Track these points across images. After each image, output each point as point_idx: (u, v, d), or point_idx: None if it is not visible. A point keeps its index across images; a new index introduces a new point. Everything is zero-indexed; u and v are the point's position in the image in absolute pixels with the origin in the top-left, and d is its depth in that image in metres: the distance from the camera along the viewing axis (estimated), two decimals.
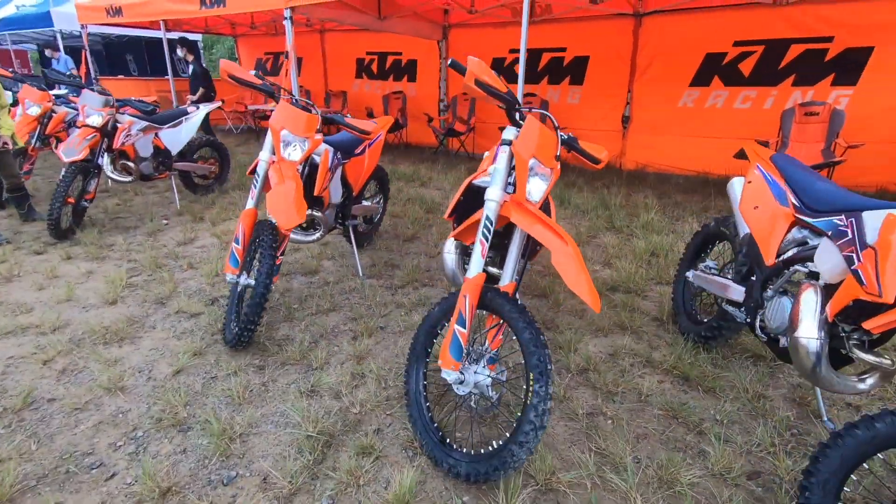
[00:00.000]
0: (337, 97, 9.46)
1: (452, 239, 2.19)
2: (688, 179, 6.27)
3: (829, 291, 1.70)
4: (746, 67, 5.85)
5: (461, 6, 7.03)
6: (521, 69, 4.78)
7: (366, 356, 2.58)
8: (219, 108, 5.79)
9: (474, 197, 2.13)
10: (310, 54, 9.99)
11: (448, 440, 1.92)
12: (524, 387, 1.69)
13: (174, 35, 8.32)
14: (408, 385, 2.10)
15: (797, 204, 1.99)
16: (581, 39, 6.85)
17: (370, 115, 8.25)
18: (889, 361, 1.63)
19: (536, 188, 1.85)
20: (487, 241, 1.81)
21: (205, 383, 2.37)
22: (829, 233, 1.76)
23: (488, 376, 1.82)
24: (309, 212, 3.04)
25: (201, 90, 7.29)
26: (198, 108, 5.27)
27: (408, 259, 3.86)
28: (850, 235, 1.64)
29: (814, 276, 1.82)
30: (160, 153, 5.01)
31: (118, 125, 4.53)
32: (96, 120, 4.33)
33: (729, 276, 2.40)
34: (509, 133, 1.87)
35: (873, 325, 1.46)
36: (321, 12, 6.01)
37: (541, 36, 7.16)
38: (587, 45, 6.83)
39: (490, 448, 1.76)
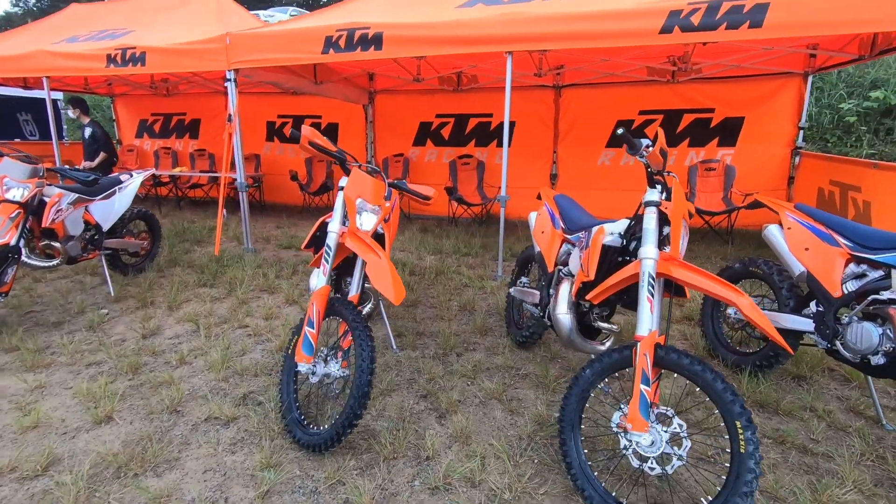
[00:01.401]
0: (249, 161, 8.87)
1: (570, 299, 2.43)
2: None
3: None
4: (651, 132, 6.92)
5: (387, 74, 7.26)
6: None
7: (468, 434, 2.39)
8: (153, 175, 5.07)
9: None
10: (213, 116, 9.32)
11: None
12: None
13: (57, 94, 7.16)
14: (568, 458, 1.99)
15: (849, 243, 2.41)
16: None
17: (294, 178, 7.86)
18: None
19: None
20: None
21: (312, 503, 1.97)
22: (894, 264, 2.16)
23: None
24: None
25: (102, 155, 6.31)
26: (131, 175, 4.56)
27: (428, 324, 3.70)
28: None
29: (891, 302, 2.21)
30: (89, 229, 4.19)
31: (45, 199, 3.72)
32: (19, 194, 3.51)
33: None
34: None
35: None
36: (263, 75, 5.74)
37: (468, 103, 7.67)
38: (513, 112, 7.45)
39: None
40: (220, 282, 4.63)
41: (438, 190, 7.44)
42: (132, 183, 4.52)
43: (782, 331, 2.68)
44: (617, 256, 2.27)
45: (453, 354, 3.24)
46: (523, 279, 3.41)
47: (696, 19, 3.63)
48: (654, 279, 1.91)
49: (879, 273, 2.28)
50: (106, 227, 4.30)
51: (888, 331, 2.17)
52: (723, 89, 6.42)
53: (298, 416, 2.38)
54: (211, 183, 9.09)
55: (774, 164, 6.37)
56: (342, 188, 2.52)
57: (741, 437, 1.70)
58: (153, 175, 8.69)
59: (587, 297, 2.19)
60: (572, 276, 2.53)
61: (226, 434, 2.40)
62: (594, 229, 2.39)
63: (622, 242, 2.25)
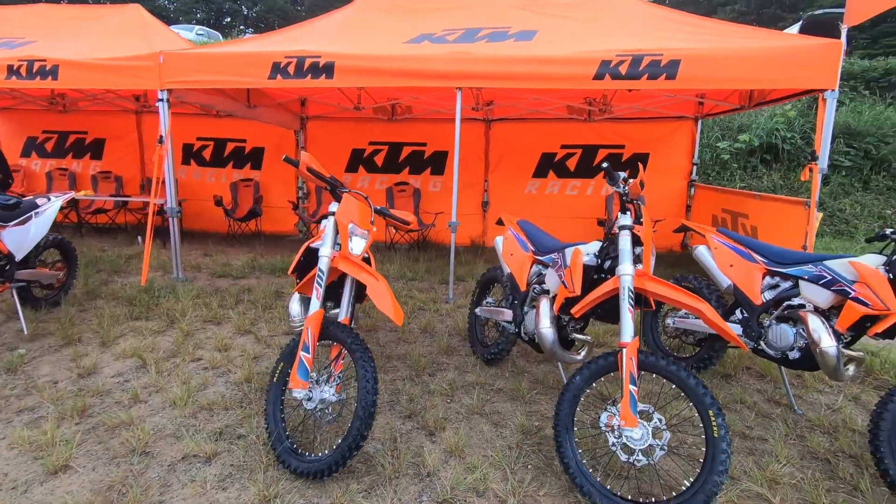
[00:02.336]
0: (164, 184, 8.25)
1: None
2: None
3: (826, 315, 2.57)
4: (572, 164, 7.61)
5: (322, 101, 7.28)
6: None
7: (462, 448, 2.49)
8: (74, 198, 4.62)
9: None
10: (120, 136, 8.58)
11: (630, 497, 2.08)
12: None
13: None
14: (565, 458, 2.18)
15: (764, 260, 2.92)
16: (440, 137, 7.80)
17: (218, 204, 7.47)
18: (862, 353, 2.55)
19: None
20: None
21: None
22: (806, 277, 2.67)
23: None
24: None
25: None
26: (49, 199, 4.13)
27: (392, 348, 3.75)
28: (829, 277, 2.55)
29: (800, 307, 2.70)
30: (0, 259, 3.71)
31: None
32: None
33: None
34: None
35: (881, 327, 2.32)
36: (196, 97, 5.50)
37: (402, 132, 7.88)
38: (445, 142, 7.81)
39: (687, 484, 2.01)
40: (155, 314, 4.28)
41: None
42: (50, 207, 4.09)
43: (713, 335, 3.15)
44: (593, 274, 2.54)
45: (426, 375, 3.33)
46: (488, 299, 3.61)
47: (623, 69, 4.19)
48: (632, 293, 2.20)
49: (789, 283, 2.78)
50: (19, 256, 3.83)
51: (800, 330, 2.65)
52: (631, 128, 7.28)
53: (291, 444, 2.33)
54: (118, 208, 8.32)
55: (675, 194, 7.31)
56: (333, 213, 2.56)
57: (714, 423, 2.00)
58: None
59: (572, 311, 2.44)
60: (548, 293, 2.78)
61: (210, 471, 2.27)
62: (569, 251, 2.66)
63: (597, 261, 2.54)
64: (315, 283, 2.43)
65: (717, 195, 6.52)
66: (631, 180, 2.29)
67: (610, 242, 2.48)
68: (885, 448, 2.20)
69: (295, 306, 2.81)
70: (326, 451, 2.24)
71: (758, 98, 5.43)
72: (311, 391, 2.29)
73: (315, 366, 2.34)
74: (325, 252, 2.47)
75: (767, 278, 2.90)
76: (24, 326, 3.79)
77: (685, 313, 3.44)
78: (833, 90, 3.95)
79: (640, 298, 2.34)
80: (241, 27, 40.20)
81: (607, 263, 2.48)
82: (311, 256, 2.70)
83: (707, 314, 2.12)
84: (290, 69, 4.71)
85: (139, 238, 7.17)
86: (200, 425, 2.63)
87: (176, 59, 4.90)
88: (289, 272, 2.79)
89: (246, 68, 4.81)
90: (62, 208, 4.33)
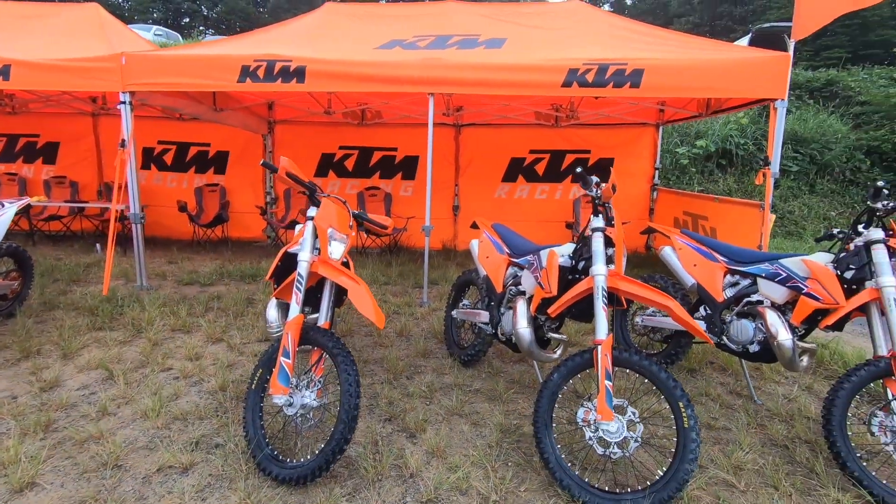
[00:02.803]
0: (124, 190, 7.95)
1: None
2: None
3: (782, 309, 2.74)
4: (540, 169, 7.78)
5: (291, 105, 7.20)
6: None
7: (443, 449, 2.52)
8: (28, 205, 4.41)
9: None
10: (75, 140, 8.21)
11: (607, 488, 2.16)
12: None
13: None
14: (545, 454, 2.25)
15: (725, 259, 3.08)
16: (410, 141, 7.83)
17: (182, 210, 7.25)
18: (814, 345, 2.73)
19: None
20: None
21: None
22: (763, 275, 2.84)
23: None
24: None
25: None
26: (3, 206, 3.94)
27: (369, 352, 3.75)
28: (784, 274, 2.73)
29: (759, 302, 2.87)
30: None
31: None
32: None
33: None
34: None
35: (831, 320, 2.50)
36: (160, 99, 5.35)
37: (372, 137, 7.87)
38: (417, 147, 7.85)
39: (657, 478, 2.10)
40: (119, 324, 4.14)
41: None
42: (4, 214, 3.90)
43: (679, 332, 3.30)
44: (567, 275, 2.63)
45: (404, 378, 3.35)
46: (464, 302, 3.66)
47: (590, 77, 4.34)
48: (606, 292, 2.29)
49: (748, 281, 2.95)
50: None
51: (759, 324, 2.81)
52: (596, 134, 7.51)
53: (272, 451, 2.31)
54: (73, 215, 7.97)
55: (639, 197, 7.57)
56: (311, 217, 2.56)
57: (684, 414, 2.11)
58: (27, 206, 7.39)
59: (548, 311, 2.51)
60: (524, 294, 2.85)
61: (187, 482, 2.22)
62: (544, 253, 2.74)
63: (572, 263, 2.62)
64: (294, 288, 2.42)
65: (678, 198, 6.80)
66: (603, 184, 2.39)
67: (583, 244, 2.57)
68: (837, 433, 2.37)
69: (272, 312, 2.79)
70: (309, 457, 2.23)
71: (714, 106, 5.72)
72: (291, 397, 2.29)
73: (294, 371, 2.33)
74: (305, 256, 2.46)
75: (728, 276, 3.06)
76: None
77: (653, 311, 3.58)
78: (783, 100, 4.21)
79: (612, 297, 2.44)
80: (201, 28, 39.19)
81: (581, 264, 2.58)
82: (289, 261, 2.69)
83: (676, 311, 2.23)
84: (260, 73, 4.65)
85: (97, 246, 6.90)
86: (174, 436, 2.57)
87: (139, 60, 4.76)
88: (266, 277, 2.76)
89: (213, 71, 4.72)
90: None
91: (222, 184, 8.08)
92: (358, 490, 2.20)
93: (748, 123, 11.09)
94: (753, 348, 2.84)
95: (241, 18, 43.74)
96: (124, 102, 4.86)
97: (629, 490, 2.13)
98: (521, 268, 2.98)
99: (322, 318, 2.52)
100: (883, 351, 2.44)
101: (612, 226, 2.47)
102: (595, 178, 2.41)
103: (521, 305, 2.72)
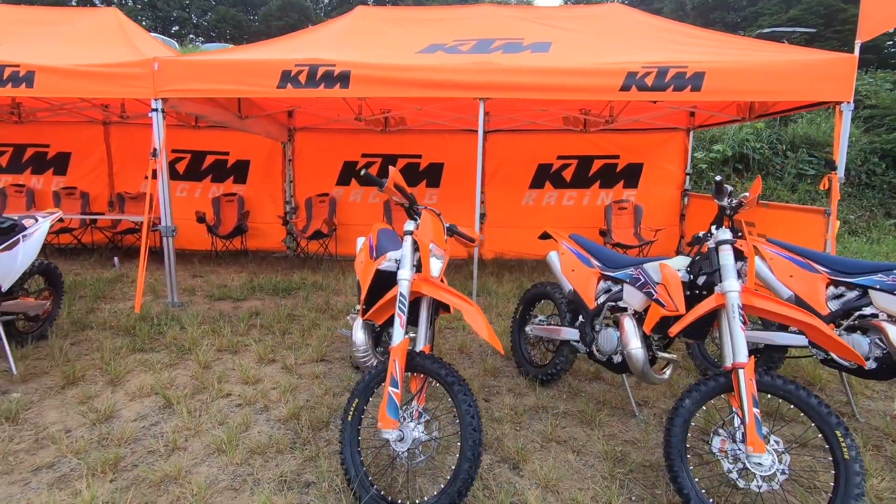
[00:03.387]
0: (138, 200, 7.69)
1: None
2: (538, 262, 7.52)
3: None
4: (568, 175, 7.63)
5: (313, 112, 6.99)
6: None
7: (555, 482, 2.31)
8: (60, 220, 4.16)
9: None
10: (86, 149, 7.93)
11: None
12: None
13: None
14: (685, 489, 2.05)
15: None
16: (435, 148, 7.66)
17: (201, 220, 6.99)
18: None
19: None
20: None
21: None
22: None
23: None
24: None
25: None
26: (37, 220, 3.68)
27: None
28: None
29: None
30: None
31: None
32: None
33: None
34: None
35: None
36: (190, 106, 5.12)
37: (396, 144, 7.68)
38: (442, 154, 7.68)
39: None
40: (160, 344, 3.89)
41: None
42: (38, 229, 3.65)
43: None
44: (685, 291, 2.45)
45: (481, 400, 3.14)
46: (539, 317, 3.47)
47: (649, 81, 4.20)
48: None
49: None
50: (6, 286, 3.38)
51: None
52: (625, 139, 7.38)
53: (378, 491, 2.09)
54: (83, 227, 7.67)
55: (669, 203, 7.45)
56: (410, 232, 2.36)
57: (843, 444, 1.92)
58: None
59: (669, 330, 2.33)
60: (625, 311, 2.66)
61: None
62: (651, 267, 2.56)
63: (689, 277, 2.45)
64: (397, 310, 2.21)
65: (716, 204, 6.66)
66: (743, 195, 2.21)
67: (703, 258, 2.39)
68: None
69: (360, 335, 2.58)
70: (426, 498, 2.02)
71: (759, 110, 5.60)
72: (401, 430, 2.07)
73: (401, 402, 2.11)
74: (406, 275, 2.26)
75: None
76: (12, 366, 3.32)
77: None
78: (849, 102, 4.10)
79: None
80: (191, 36, 38.77)
81: (701, 279, 2.40)
82: (380, 280, 2.49)
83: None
84: (302, 78, 4.45)
85: (116, 260, 6.61)
86: (258, 473, 2.34)
87: (172, 66, 4.54)
88: (361, 303, 2.53)
89: (252, 77, 4.51)
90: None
91: (241, 193, 7.82)
92: None
93: (763, 128, 11.07)
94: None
95: (231, 26, 43.44)
96: (156, 110, 4.63)
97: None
98: (617, 282, 2.79)
99: (421, 342, 2.31)
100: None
101: (741, 237, 2.29)
102: (730, 188, 2.23)
103: (629, 323, 2.53)
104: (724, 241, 2.26)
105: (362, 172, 2.28)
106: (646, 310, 2.58)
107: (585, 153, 7.54)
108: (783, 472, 1.98)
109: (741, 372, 2.03)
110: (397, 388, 2.09)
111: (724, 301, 2.17)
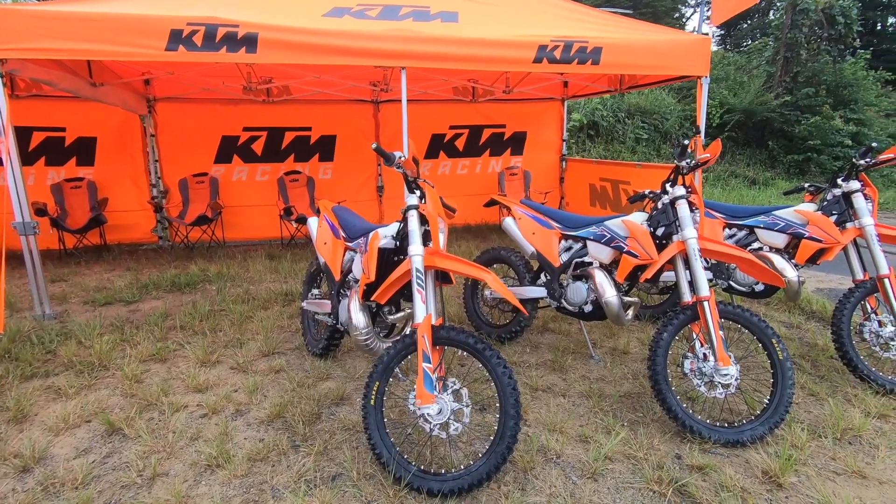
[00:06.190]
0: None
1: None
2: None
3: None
4: (460, 144, 7.86)
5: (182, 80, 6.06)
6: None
7: (560, 424, 2.55)
8: None
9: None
10: None
11: (727, 424, 2.44)
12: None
13: None
14: (674, 410, 2.44)
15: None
16: (324, 119, 7.24)
17: (42, 213, 5.68)
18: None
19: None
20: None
21: None
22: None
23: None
24: None
25: None
26: None
27: None
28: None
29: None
30: None
31: None
32: None
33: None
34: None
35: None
36: (35, 71, 4.09)
37: (282, 116, 7.07)
38: (333, 125, 7.30)
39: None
40: (56, 366, 3.21)
41: (274, 212, 6.70)
42: None
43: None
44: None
45: (457, 367, 3.24)
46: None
47: (557, 54, 4.53)
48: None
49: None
50: None
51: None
52: (510, 108, 7.83)
53: (420, 469, 2.10)
54: None
55: (551, 168, 8.18)
56: (416, 206, 2.30)
57: (777, 348, 2.46)
58: None
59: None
60: (590, 265, 2.97)
61: None
62: (614, 224, 2.88)
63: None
64: (415, 286, 2.18)
65: (591, 167, 7.52)
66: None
67: (660, 212, 2.75)
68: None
69: (360, 317, 2.47)
70: (471, 462, 2.09)
71: (629, 82, 6.40)
72: (438, 403, 2.09)
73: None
74: (419, 250, 2.22)
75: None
76: None
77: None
78: (706, 76, 4.94)
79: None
80: None
81: (660, 231, 2.76)
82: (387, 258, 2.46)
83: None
84: (197, 39, 3.86)
85: None
86: (274, 479, 2.15)
87: (16, 18, 3.57)
88: (372, 278, 2.40)
89: (130, 36, 3.77)
90: None
91: (90, 178, 6.53)
92: (521, 483, 2.14)
93: (609, 97, 12.63)
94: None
95: None
96: None
97: (745, 421, 2.44)
98: (578, 240, 3.08)
99: (435, 315, 2.31)
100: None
101: (692, 193, 2.69)
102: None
103: (601, 275, 2.83)
104: (681, 197, 2.64)
105: (374, 146, 2.14)
106: (612, 262, 2.92)
107: (475, 123, 7.83)
108: (736, 380, 2.48)
109: (706, 304, 2.46)
110: (430, 363, 2.09)
111: (685, 247, 2.57)
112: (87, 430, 2.53)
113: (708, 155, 2.67)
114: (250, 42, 3.94)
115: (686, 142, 2.67)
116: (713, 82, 14.43)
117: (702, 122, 5.00)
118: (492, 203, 3.69)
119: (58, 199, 6.31)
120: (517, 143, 8.08)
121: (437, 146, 7.81)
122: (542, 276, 3.29)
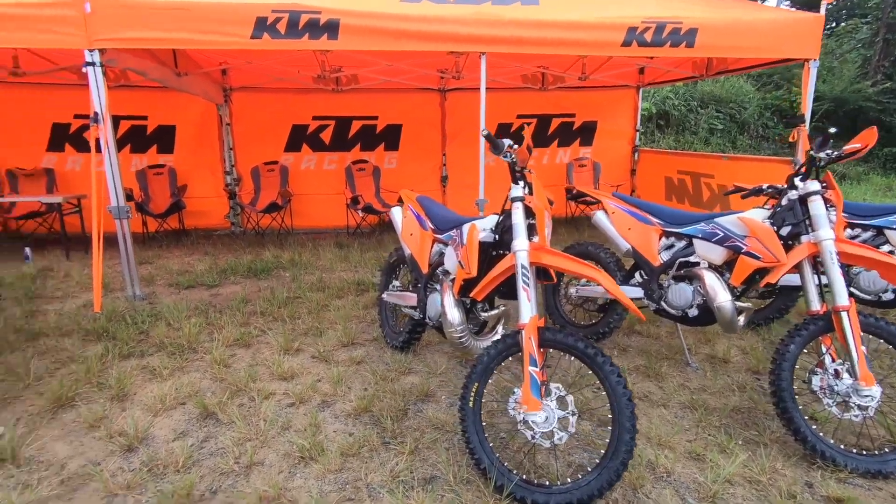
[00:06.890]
0: (36, 178, 6.39)
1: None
2: None
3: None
4: (531, 132, 7.63)
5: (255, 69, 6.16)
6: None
7: (666, 439, 2.36)
8: None
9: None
10: None
11: (864, 451, 2.16)
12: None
13: None
14: (802, 431, 2.18)
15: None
16: (391, 108, 7.20)
17: (129, 198, 5.97)
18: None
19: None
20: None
21: None
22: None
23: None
24: None
25: None
26: None
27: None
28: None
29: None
30: None
31: None
32: None
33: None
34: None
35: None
36: (130, 61, 4.25)
37: (349, 104, 7.10)
38: (399, 114, 7.25)
39: None
40: (149, 346, 3.32)
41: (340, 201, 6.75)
42: None
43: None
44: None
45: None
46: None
47: (648, 36, 4.22)
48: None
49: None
50: None
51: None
52: (580, 97, 7.50)
53: (521, 478, 1.97)
54: None
55: (621, 159, 7.79)
56: (521, 198, 2.16)
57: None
58: None
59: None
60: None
61: None
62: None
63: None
64: (520, 283, 2.04)
65: (667, 158, 7.10)
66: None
67: (785, 209, 2.47)
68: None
69: (455, 314, 2.37)
70: (580, 476, 1.94)
71: (717, 67, 5.94)
72: (544, 409, 1.95)
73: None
74: (524, 245, 2.08)
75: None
76: None
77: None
78: (816, 60, 4.47)
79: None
80: None
81: (785, 230, 2.47)
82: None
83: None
84: (281, 26, 3.86)
85: (27, 251, 5.47)
86: (366, 478, 2.09)
87: (111, 7, 3.69)
88: (473, 273, 2.28)
89: (217, 24, 3.83)
90: None
91: (170, 165, 6.81)
92: (631, 501, 1.97)
93: (681, 85, 11.90)
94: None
95: None
96: (92, 63, 3.77)
97: (887, 450, 2.15)
98: (681, 237, 2.83)
99: (538, 316, 2.15)
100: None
101: (827, 188, 2.39)
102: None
103: (712, 277, 2.57)
104: (815, 192, 2.35)
105: (484, 133, 2.02)
106: (724, 263, 2.66)
107: (544, 112, 7.56)
108: (878, 402, 2.18)
109: (844, 314, 2.17)
110: (537, 366, 1.96)
111: (819, 249, 2.28)
112: (182, 412, 2.58)
113: (858, 145, 2.35)
114: (332, 28, 3.90)
115: (833, 130, 2.36)
116: (797, 68, 13.34)
117: (807, 111, 4.55)
118: (577, 196, 3.47)
119: (142, 184, 6.63)
120: (587, 132, 7.74)
121: (504, 135, 7.55)
122: (637, 275, 3.07)
